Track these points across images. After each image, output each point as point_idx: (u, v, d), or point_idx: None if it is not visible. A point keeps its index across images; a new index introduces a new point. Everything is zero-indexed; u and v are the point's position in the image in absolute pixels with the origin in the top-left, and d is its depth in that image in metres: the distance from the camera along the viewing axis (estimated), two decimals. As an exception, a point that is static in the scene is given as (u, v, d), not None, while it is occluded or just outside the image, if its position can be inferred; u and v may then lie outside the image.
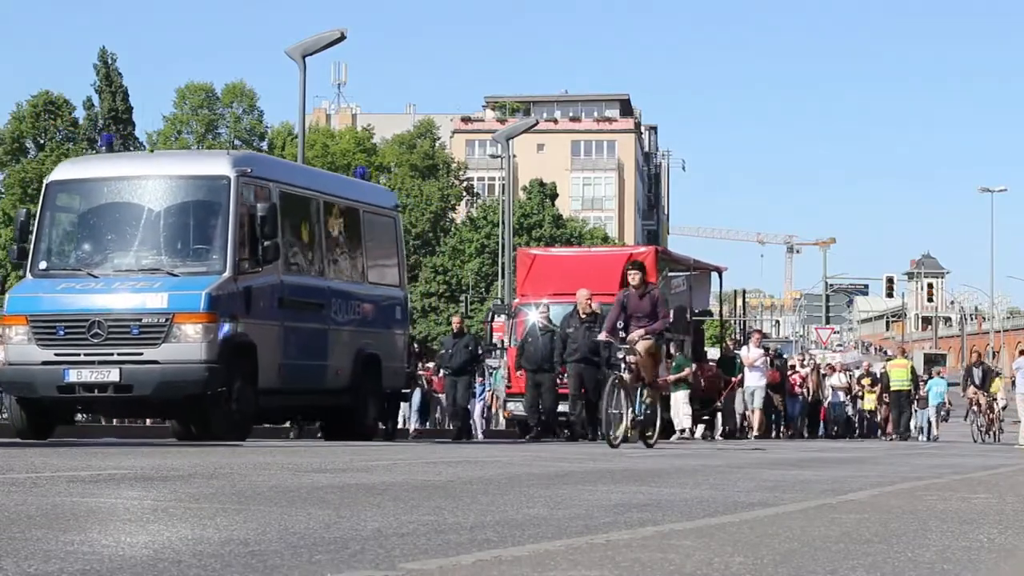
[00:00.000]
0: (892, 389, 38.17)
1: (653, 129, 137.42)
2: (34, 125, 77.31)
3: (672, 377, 28.43)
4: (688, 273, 31.72)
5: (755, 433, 30.70)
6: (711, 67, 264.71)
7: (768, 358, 32.60)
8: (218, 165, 17.24)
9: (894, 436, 37.71)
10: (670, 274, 30.96)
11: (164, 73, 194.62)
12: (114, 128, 73.28)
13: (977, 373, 37.07)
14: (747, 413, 31.35)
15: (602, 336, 17.08)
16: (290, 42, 29.38)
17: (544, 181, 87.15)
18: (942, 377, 44.53)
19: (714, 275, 34.04)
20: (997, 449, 27.79)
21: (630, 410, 16.43)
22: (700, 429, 30.68)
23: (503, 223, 44.38)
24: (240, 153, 18.70)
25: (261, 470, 9.04)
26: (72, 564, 3.94)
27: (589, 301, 22.31)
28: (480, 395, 34.04)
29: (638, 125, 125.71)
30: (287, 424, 24.81)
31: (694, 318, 37.67)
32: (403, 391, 23.34)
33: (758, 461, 14.25)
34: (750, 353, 31.46)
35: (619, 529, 5.43)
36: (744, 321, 63.13)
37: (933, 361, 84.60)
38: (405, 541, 4.78)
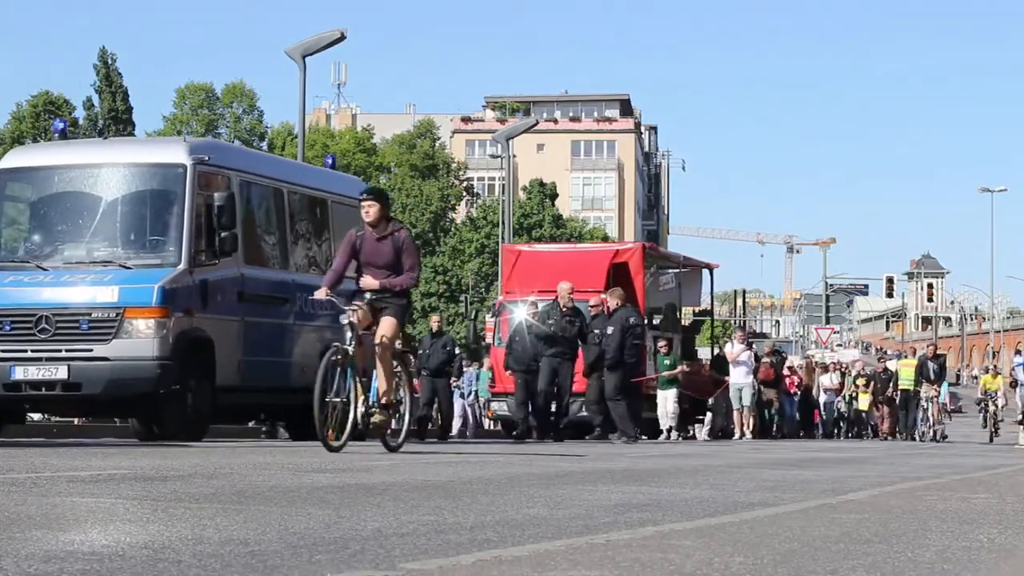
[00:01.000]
0: (901, 388, 37.98)
1: (653, 129, 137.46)
2: (34, 125, 77.34)
3: (667, 373, 28.25)
4: (678, 270, 31.30)
5: (748, 434, 29.87)
6: (711, 67, 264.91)
7: (752, 353, 31.88)
8: (174, 153, 16.47)
9: (902, 435, 37.54)
10: (659, 271, 30.49)
11: (164, 73, 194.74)
12: (114, 128, 73.31)
13: (932, 367, 34.85)
14: (733, 413, 30.45)
15: (319, 294, 12.78)
16: (290, 42, 29.43)
17: (544, 181, 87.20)
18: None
19: (705, 272, 33.73)
20: (997, 449, 27.78)
21: (362, 399, 12.50)
22: (704, 430, 30.43)
23: (503, 223, 44.40)
24: (197, 140, 17.90)
25: (261, 470, 9.04)
26: (72, 564, 3.94)
27: (571, 295, 21.65)
28: (468, 394, 33.53)
29: (638, 125, 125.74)
30: (251, 423, 23.99)
31: (695, 318, 37.54)
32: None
33: (758, 461, 14.26)
34: (733, 349, 30.66)
35: (619, 529, 5.43)
36: (744, 321, 63.13)
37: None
38: (405, 541, 4.78)
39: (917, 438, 36.56)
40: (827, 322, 68.63)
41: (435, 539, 4.89)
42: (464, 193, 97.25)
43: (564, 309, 21.44)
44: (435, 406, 24.99)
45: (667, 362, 28.22)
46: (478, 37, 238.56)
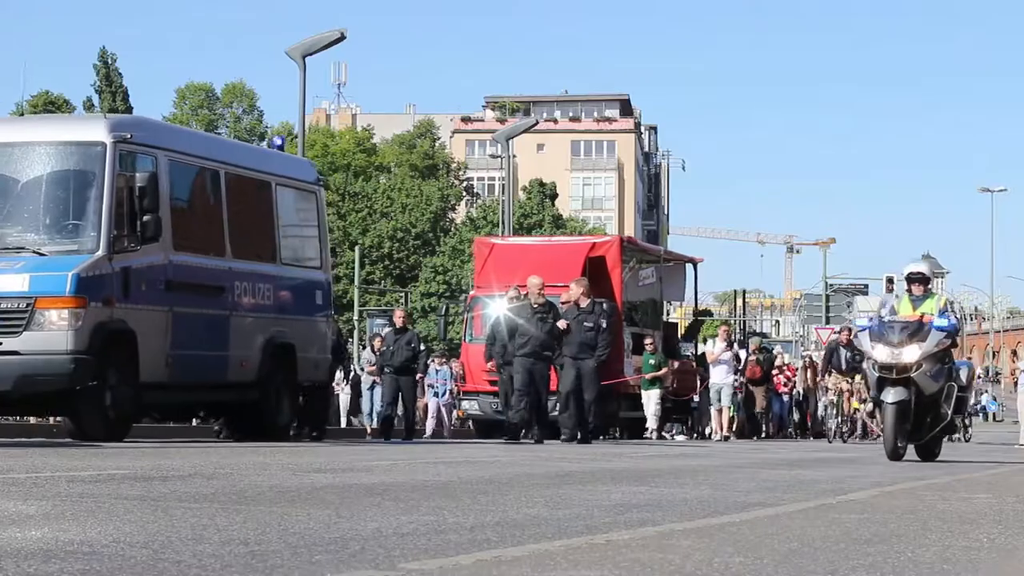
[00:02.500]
0: None
1: (653, 129, 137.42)
2: (34, 125, 77.19)
3: (649, 375, 27.35)
4: (659, 265, 30.37)
5: (723, 433, 28.55)
6: (711, 67, 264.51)
7: (733, 353, 30.08)
8: (93, 130, 15.26)
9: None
10: (638, 265, 29.44)
11: (164, 73, 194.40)
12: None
13: (844, 355, 27.99)
14: (712, 412, 29.22)
15: None
16: (290, 42, 29.34)
17: (544, 181, 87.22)
18: None
19: (689, 267, 33.03)
20: (997, 449, 27.75)
21: None
22: (719, 431, 29.73)
23: (503, 223, 44.36)
24: (120, 117, 16.69)
25: (261, 470, 9.04)
26: (72, 564, 3.94)
27: (541, 291, 20.13)
28: (442, 393, 31.73)
29: (638, 125, 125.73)
30: (193, 422, 22.20)
31: (695, 318, 37.33)
32: (329, 385, 20.97)
33: (758, 461, 14.26)
34: (714, 348, 29.33)
35: (619, 529, 5.43)
36: (744, 321, 63.15)
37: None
38: (405, 541, 4.78)
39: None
40: (827, 322, 68.59)
41: (435, 539, 4.89)
42: (464, 193, 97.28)
43: (535, 305, 20.06)
44: (399, 404, 23.62)
45: (652, 361, 27.50)
46: (478, 37, 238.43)
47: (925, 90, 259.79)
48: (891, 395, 13.78)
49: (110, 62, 76.99)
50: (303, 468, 9.52)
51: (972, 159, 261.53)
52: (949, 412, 14.21)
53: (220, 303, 16.51)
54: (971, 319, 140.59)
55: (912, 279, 14.70)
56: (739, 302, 74.05)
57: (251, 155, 18.67)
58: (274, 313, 17.48)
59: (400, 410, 23.93)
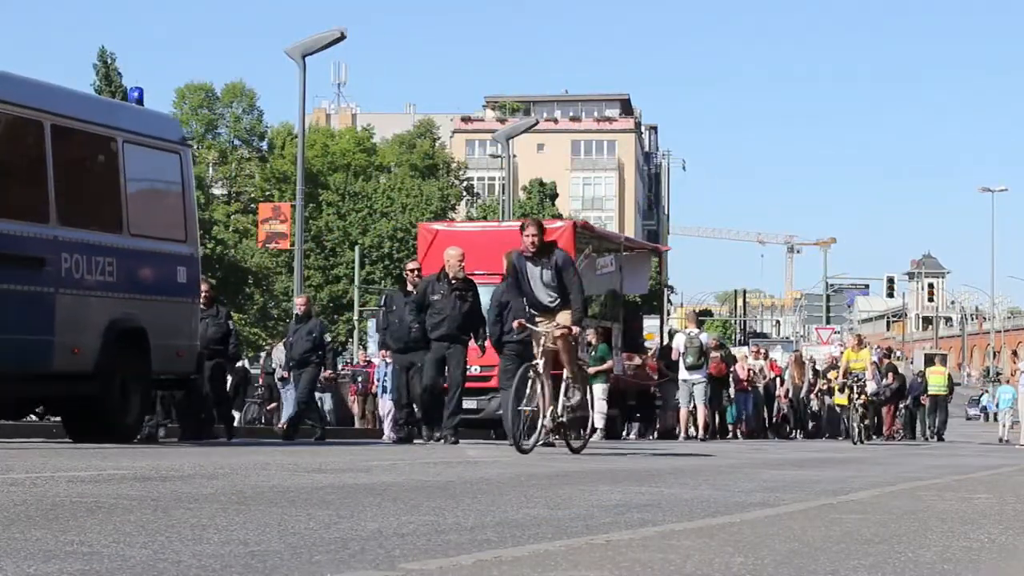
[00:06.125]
0: (929, 393, 38.42)
1: (653, 129, 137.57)
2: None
3: (593, 369, 24.59)
4: (619, 253, 28.34)
5: (701, 435, 26.46)
6: (712, 67, 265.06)
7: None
8: None
9: (924, 437, 37.61)
10: (595, 254, 27.32)
11: (164, 73, 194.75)
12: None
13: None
14: (682, 410, 27.28)
15: None
16: (290, 42, 29.42)
17: (544, 181, 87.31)
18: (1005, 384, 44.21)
19: (654, 256, 31.72)
20: (997, 449, 27.73)
21: None
22: (686, 430, 28.84)
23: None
24: None
25: (261, 470, 9.04)
26: (72, 564, 3.94)
27: (461, 263, 17.35)
28: (391, 391, 30.05)
29: (638, 125, 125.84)
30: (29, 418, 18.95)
31: (697, 318, 37.14)
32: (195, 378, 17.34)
33: (758, 461, 14.27)
34: (678, 343, 27.18)
35: (619, 529, 5.43)
36: (744, 321, 63.22)
37: (933, 361, 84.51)
38: (405, 541, 4.78)
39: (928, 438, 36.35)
40: (827, 322, 68.72)
41: (435, 539, 4.89)
42: (464, 193, 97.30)
43: (453, 281, 17.09)
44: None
45: (595, 354, 25.42)
46: (478, 37, 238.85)
47: (926, 90, 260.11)
48: None
49: (110, 62, 76.93)
50: (303, 468, 9.52)
51: (972, 159, 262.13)
52: None
53: (41, 278, 13.68)
54: (972, 319, 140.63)
55: None
56: (739, 302, 74.15)
57: (88, 106, 15.66)
58: (118, 292, 14.71)
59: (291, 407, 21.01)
